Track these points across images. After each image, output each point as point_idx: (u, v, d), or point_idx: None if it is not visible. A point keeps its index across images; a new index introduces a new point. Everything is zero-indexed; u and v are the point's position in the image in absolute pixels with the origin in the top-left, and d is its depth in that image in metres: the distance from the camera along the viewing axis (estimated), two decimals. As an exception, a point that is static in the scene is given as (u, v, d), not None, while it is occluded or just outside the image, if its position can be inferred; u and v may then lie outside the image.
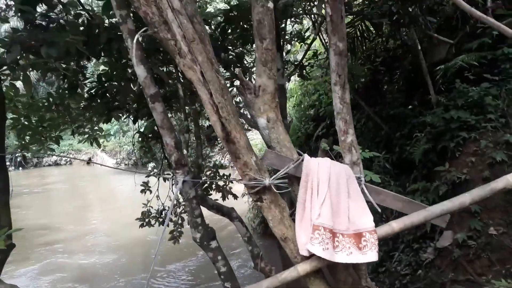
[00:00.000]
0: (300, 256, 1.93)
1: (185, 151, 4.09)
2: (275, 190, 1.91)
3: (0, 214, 2.76)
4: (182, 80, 4.18)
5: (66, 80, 4.23)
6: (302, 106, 10.45)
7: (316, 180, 1.90)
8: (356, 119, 6.73)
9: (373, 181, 2.28)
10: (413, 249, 4.41)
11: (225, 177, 6.41)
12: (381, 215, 4.55)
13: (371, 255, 1.82)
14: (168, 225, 6.23)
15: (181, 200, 6.20)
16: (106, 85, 4.46)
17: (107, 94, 4.67)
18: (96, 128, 5.67)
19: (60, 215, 13.21)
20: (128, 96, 4.68)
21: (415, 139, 5.31)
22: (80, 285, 7.40)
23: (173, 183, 5.65)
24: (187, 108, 4.62)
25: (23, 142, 5.02)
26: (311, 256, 1.88)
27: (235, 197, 5.83)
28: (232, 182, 6.51)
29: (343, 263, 1.88)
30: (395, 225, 1.82)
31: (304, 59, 6.65)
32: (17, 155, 27.11)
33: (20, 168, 27.45)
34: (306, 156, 1.97)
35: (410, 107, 6.38)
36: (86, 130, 5.56)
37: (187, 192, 2.65)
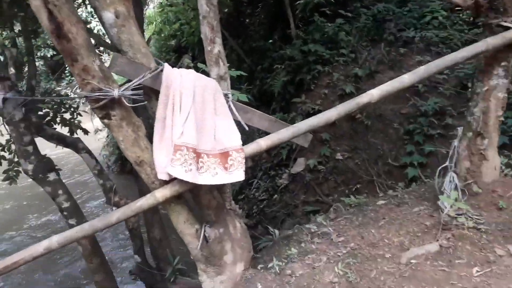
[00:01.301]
0: (158, 181, 1.68)
1: (12, 70, 3.26)
2: (127, 105, 1.56)
3: None
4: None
5: None
6: (163, 35, 9.66)
7: (179, 94, 1.62)
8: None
9: (240, 100, 2.10)
10: (270, 176, 4.61)
11: (72, 109, 5.60)
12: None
13: (237, 174, 1.67)
14: (0, 164, 5.27)
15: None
16: None
17: None
18: None
19: None
20: None
21: (275, 72, 5.40)
22: None
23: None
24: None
25: None
26: (172, 180, 1.64)
27: (86, 132, 5.15)
28: (80, 114, 5.75)
29: (207, 186, 1.71)
30: (262, 143, 1.69)
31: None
32: None
33: None
34: (166, 65, 1.64)
35: (270, 41, 6.43)
36: None
37: (10, 112, 2.07)
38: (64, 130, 4.39)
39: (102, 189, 3.09)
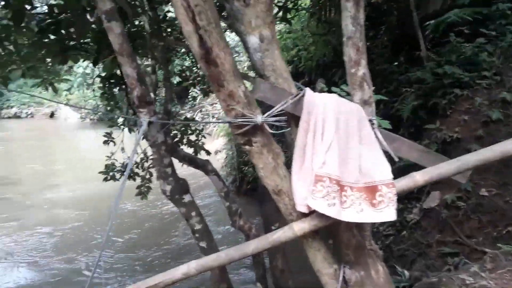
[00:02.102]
0: (296, 213, 1.56)
1: (152, 95, 3.57)
2: (268, 131, 1.49)
3: None
4: (148, 12, 3.59)
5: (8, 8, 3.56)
6: (280, 61, 9.89)
7: (321, 120, 1.49)
8: (339, 76, 6.35)
9: (383, 127, 1.90)
10: (398, 209, 4.18)
11: (197, 131, 5.96)
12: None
13: (388, 213, 1.46)
14: (134, 179, 5.82)
15: (149, 153, 5.74)
16: (58, 18, 3.81)
17: (61, 30, 4.02)
18: (51, 70, 5.01)
19: (18, 168, 12.43)
20: (85, 30, 4.05)
21: (403, 96, 5.00)
22: (41, 236, 6.94)
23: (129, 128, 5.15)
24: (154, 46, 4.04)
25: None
26: (311, 213, 1.51)
27: (208, 153, 5.41)
28: (204, 136, 6.08)
29: (348, 222, 1.53)
30: (419, 178, 1.46)
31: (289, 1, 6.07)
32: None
33: (-25, 120, 25.74)
34: (308, 90, 1.54)
35: (396, 63, 6.06)
36: (40, 72, 4.89)
37: (153, 136, 2.19)
38: (189, 151, 4.67)
39: (228, 211, 3.12)
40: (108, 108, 5.58)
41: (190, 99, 17.85)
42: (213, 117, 13.81)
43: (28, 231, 7.05)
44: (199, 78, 5.39)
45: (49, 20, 3.82)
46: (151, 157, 5.84)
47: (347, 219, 1.46)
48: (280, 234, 1.56)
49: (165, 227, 7.26)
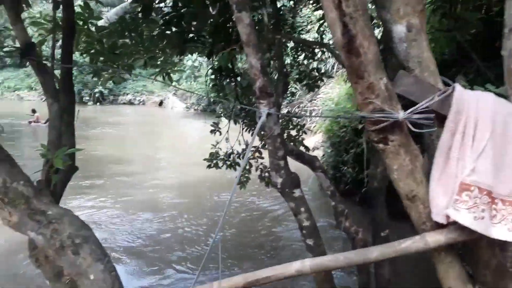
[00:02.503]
0: (430, 223, 1.40)
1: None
2: (410, 129, 1.35)
3: (62, 133, 2.51)
4: (268, 5, 3.62)
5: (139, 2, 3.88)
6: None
7: (473, 121, 1.31)
8: (463, 73, 5.76)
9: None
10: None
11: (298, 126, 5.92)
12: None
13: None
14: (235, 169, 6.01)
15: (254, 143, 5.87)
16: (182, 11, 4.05)
17: (183, 22, 4.27)
18: (169, 61, 5.38)
19: (130, 150, 13.75)
20: (205, 23, 4.25)
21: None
22: (143, 216, 7.54)
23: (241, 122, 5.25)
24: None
25: (95, 68, 4.87)
26: (449, 224, 1.34)
27: (307, 149, 5.35)
28: (305, 131, 6.01)
29: (489, 239, 1.33)
30: None
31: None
32: (95, 91, 28.78)
33: (98, 103, 29.12)
34: (458, 86, 1.37)
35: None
36: (159, 62, 5.29)
37: (271, 127, 2.18)
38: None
39: (334, 212, 3.02)
40: (213, 99, 5.81)
41: (288, 95, 17.93)
42: (310, 113, 13.68)
43: (131, 215, 7.58)
44: (304, 74, 5.34)
45: (173, 14, 4.08)
46: (252, 148, 6.02)
47: (497, 237, 1.27)
48: (409, 244, 1.42)
49: (253, 224, 7.38)
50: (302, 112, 13.53)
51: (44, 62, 2.47)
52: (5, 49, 2.82)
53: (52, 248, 1.72)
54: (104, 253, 1.76)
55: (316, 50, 5.64)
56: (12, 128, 15.84)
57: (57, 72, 2.74)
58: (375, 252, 1.49)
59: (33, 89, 31.18)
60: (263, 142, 3.71)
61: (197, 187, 9.32)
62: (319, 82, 5.21)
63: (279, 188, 2.34)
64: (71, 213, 1.86)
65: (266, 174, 5.78)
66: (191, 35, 4.41)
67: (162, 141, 15.89)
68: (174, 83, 24.85)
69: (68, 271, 1.72)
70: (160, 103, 29.39)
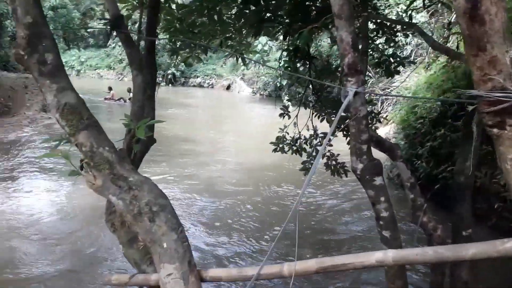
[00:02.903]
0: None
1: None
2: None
3: (144, 106, 2.58)
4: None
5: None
6: None
7: None
8: None
9: None
10: None
11: (373, 114, 5.63)
12: None
13: None
14: (301, 155, 5.89)
15: (320, 130, 5.70)
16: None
17: (261, 1, 4.21)
18: (244, 42, 5.36)
19: (198, 130, 14.16)
20: (284, 2, 4.14)
21: None
22: (205, 196, 7.71)
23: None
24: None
25: (173, 47, 4.99)
26: None
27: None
28: (379, 120, 5.69)
29: None
30: None
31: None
32: (168, 72, 30.01)
33: (170, 84, 30.37)
34: None
35: None
36: (234, 43, 5.29)
37: (357, 108, 2.03)
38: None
39: (411, 205, 2.80)
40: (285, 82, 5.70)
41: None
42: (382, 103, 13.07)
43: (196, 194, 7.79)
44: (384, 58, 5.01)
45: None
46: (320, 134, 5.85)
47: None
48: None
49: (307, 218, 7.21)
50: (374, 101, 12.94)
51: (132, 33, 2.52)
52: (97, 23, 2.92)
53: (130, 214, 1.76)
54: (178, 223, 1.77)
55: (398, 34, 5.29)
56: (91, 104, 16.95)
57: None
58: (471, 249, 1.32)
59: (112, 68, 33.35)
60: (341, 126, 3.55)
61: (257, 170, 9.35)
62: (399, 67, 4.88)
63: (358, 175, 2.20)
64: (151, 181, 1.89)
65: (333, 162, 5.60)
66: (268, 14, 4.33)
67: (228, 124, 16.16)
68: (243, 67, 25.13)
69: (143, 237, 1.75)
70: (228, 87, 29.92)
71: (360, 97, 1.98)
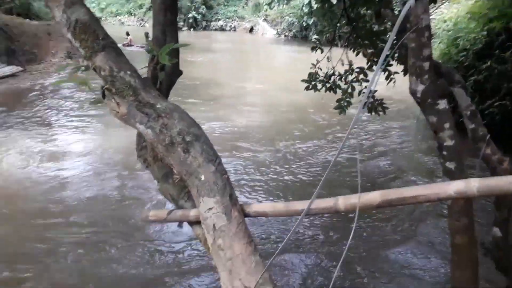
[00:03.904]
0: None
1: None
2: None
3: (165, 31, 2.29)
4: None
5: None
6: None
7: None
8: None
9: None
10: None
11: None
12: None
13: None
14: (335, 92, 5.54)
15: (355, 65, 5.29)
16: None
17: None
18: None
19: (223, 73, 13.83)
20: None
21: None
22: (233, 141, 7.56)
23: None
24: None
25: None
26: None
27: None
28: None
29: None
30: None
31: None
32: (189, 16, 29.05)
33: (191, 29, 29.55)
34: None
35: None
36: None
37: (418, 16, 1.68)
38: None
39: (471, 135, 2.47)
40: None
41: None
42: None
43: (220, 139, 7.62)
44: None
45: None
46: (356, 69, 5.41)
47: None
48: None
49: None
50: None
51: None
52: None
53: (161, 144, 1.54)
54: (215, 154, 1.54)
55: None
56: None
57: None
58: None
59: (133, 14, 32.59)
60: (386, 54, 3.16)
61: (285, 112, 9.07)
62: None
63: (418, 98, 1.89)
64: (181, 109, 1.65)
65: (371, 100, 5.24)
66: None
67: (254, 65, 15.69)
68: (266, 8, 23.96)
69: (178, 169, 1.54)
70: (251, 30, 28.87)
71: (423, 2, 1.62)
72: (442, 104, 1.86)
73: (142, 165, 2.02)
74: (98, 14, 33.24)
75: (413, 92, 1.89)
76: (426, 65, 1.81)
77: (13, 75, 10.55)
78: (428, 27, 1.75)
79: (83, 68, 1.77)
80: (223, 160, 1.58)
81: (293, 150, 6.99)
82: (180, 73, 2.54)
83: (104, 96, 1.71)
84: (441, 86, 1.84)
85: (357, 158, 5.60)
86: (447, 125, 1.88)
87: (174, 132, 1.54)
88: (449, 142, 1.90)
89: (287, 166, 6.42)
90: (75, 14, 1.61)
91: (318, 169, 6.37)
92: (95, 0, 34.24)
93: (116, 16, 33.09)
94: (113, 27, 29.54)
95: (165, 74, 2.28)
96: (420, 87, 1.84)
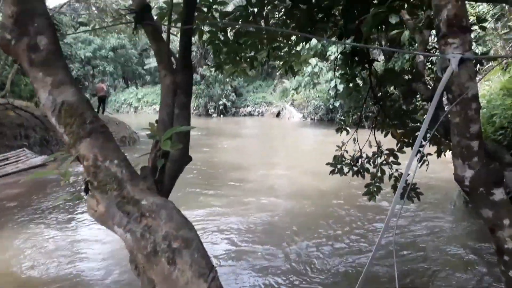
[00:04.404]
0: None
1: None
2: None
3: (176, 117, 2.09)
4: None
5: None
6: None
7: None
8: None
9: None
10: None
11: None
12: None
13: None
14: (364, 176, 5.15)
15: (385, 146, 4.95)
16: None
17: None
18: (293, 51, 4.87)
19: (250, 158, 13.73)
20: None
21: None
22: (258, 224, 7.08)
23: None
24: None
25: (217, 61, 4.62)
26: None
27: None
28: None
29: None
30: None
31: None
32: (219, 103, 30.37)
33: (221, 115, 30.68)
34: None
35: None
36: (282, 53, 4.81)
37: (462, 84, 1.40)
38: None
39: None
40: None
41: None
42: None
43: (244, 224, 7.23)
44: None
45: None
46: (385, 151, 5.06)
47: None
48: None
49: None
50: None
51: (163, 24, 2.07)
52: (121, 12, 2.53)
53: (142, 253, 1.23)
54: (209, 265, 1.20)
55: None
56: (145, 139, 17.26)
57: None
58: None
59: (167, 104, 34.57)
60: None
61: (314, 197, 8.60)
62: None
63: (466, 186, 1.52)
64: (172, 205, 1.35)
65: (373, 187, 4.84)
66: (320, 15, 3.81)
67: (280, 150, 15.62)
68: (292, 91, 24.70)
69: (161, 286, 1.20)
70: (278, 114, 29.62)
71: (468, 66, 1.34)
72: (499, 194, 1.48)
73: (134, 272, 1.67)
74: (135, 104, 35.41)
75: (459, 179, 1.53)
76: (475, 144, 1.48)
77: (43, 165, 10.73)
78: (475, 97, 1.45)
79: (71, 158, 1.54)
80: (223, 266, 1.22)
81: (310, 254, 6.11)
82: (189, 159, 2.29)
83: (87, 190, 1.46)
84: (495, 171, 1.48)
85: (393, 251, 4.98)
86: (507, 222, 1.47)
87: (158, 236, 1.22)
88: (511, 244, 1.47)
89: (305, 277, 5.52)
90: (62, 96, 1.43)
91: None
92: (133, 91, 36.67)
93: (151, 105, 35.04)
94: (148, 116, 31.19)
95: (171, 161, 2.04)
96: (469, 173, 1.49)
